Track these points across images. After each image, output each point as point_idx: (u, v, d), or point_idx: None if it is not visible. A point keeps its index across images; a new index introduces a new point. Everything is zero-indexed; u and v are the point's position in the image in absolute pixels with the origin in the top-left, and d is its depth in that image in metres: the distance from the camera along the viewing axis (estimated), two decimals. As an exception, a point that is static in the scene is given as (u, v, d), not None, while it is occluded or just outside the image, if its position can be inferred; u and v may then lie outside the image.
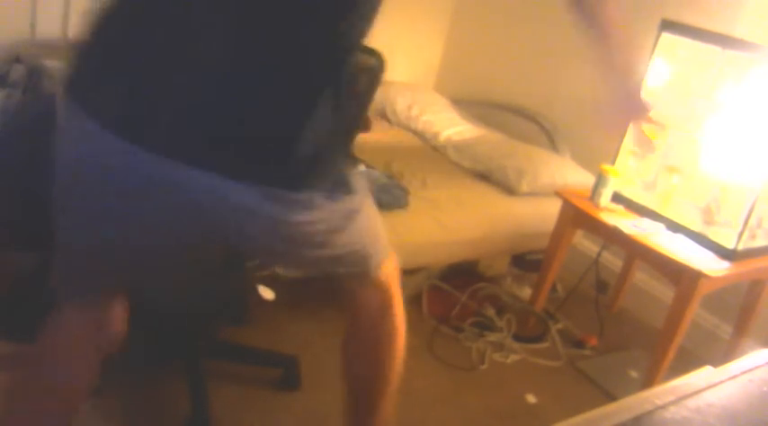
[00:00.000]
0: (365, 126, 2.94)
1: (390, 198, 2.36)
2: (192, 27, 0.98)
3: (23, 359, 1.31)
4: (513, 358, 2.40)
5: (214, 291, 1.41)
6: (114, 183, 1.05)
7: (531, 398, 2.22)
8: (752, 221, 2.11)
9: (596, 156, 2.56)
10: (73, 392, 1.26)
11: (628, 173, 2.45)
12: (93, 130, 1.01)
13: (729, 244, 2.12)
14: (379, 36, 1.17)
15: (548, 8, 3.07)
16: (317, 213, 1.12)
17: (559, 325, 2.62)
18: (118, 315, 1.24)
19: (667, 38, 2.32)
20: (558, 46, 3.05)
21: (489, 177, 2.84)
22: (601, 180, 2.33)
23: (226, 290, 1.53)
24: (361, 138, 2.50)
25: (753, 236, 2.16)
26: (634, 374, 2.44)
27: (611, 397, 2.25)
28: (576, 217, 2.40)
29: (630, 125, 1.70)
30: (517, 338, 2.49)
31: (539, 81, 3.30)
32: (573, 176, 2.81)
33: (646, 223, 2.27)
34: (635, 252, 2.40)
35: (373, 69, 1.35)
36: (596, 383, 2.36)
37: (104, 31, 1.03)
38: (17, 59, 2.34)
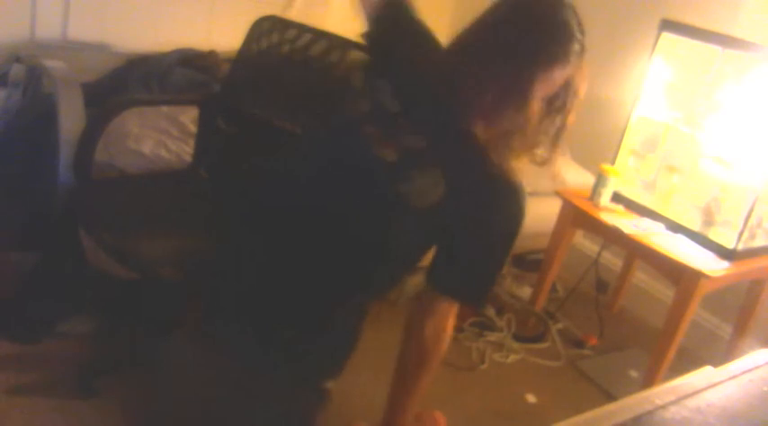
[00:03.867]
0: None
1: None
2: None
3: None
4: (513, 357, 2.40)
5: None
6: None
7: (531, 398, 2.22)
8: (752, 221, 2.11)
9: (596, 156, 2.56)
10: None
11: (628, 173, 2.45)
12: None
13: (729, 244, 2.12)
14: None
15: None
16: None
17: (559, 325, 2.62)
18: None
19: (667, 37, 2.32)
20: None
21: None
22: (601, 180, 2.33)
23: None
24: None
25: (753, 236, 2.16)
26: (634, 374, 2.44)
27: (611, 397, 2.25)
28: (576, 217, 2.39)
29: None
30: (517, 338, 2.49)
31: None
32: (573, 176, 2.80)
33: (646, 223, 2.27)
34: (635, 252, 2.40)
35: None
36: (596, 383, 2.36)
37: None
38: (17, 59, 2.34)
